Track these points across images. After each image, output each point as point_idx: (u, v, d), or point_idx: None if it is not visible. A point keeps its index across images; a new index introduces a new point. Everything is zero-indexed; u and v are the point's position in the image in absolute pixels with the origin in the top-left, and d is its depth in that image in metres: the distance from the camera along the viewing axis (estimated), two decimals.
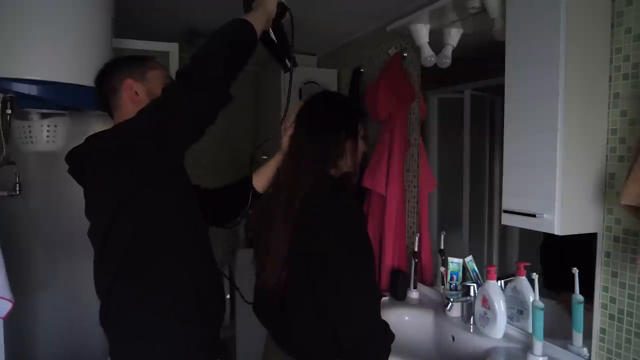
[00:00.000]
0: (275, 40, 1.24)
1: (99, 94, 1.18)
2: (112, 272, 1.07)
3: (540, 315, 1.22)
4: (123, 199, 1.04)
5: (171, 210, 1.10)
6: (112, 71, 1.17)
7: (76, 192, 1.11)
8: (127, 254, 1.06)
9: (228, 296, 2.15)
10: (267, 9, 1.16)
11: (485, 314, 1.41)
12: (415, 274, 1.83)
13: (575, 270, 1.20)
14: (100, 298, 1.12)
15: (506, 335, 1.40)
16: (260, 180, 1.35)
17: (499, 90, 1.23)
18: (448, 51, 1.65)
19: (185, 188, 1.18)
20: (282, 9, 1.21)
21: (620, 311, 1.13)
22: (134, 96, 1.14)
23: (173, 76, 1.09)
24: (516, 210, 1.16)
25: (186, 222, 1.14)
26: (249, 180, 1.36)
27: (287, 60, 1.28)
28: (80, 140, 1.09)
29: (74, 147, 1.14)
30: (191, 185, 1.21)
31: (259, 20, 1.11)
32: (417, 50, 1.73)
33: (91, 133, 1.09)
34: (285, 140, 1.26)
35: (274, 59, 1.29)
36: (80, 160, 1.11)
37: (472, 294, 1.51)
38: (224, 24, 1.06)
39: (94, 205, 1.10)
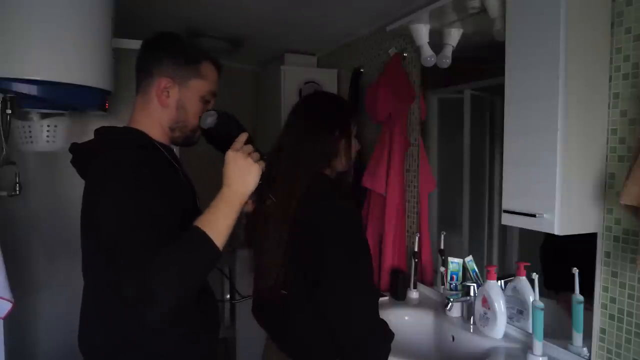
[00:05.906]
0: (218, 138, 1.09)
1: (137, 60, 1.07)
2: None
3: (540, 315, 1.22)
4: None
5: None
6: (159, 53, 1.04)
7: (76, 192, 1.10)
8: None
9: (228, 296, 2.15)
10: (242, 191, 0.94)
11: (485, 314, 1.41)
12: (415, 274, 1.83)
13: (575, 270, 1.20)
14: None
15: (506, 335, 1.40)
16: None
17: (499, 90, 1.23)
18: (448, 51, 1.65)
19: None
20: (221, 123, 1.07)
21: (620, 311, 1.13)
22: (163, 96, 1.04)
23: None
24: (516, 210, 1.17)
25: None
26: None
27: None
28: (81, 140, 1.08)
29: (83, 142, 1.08)
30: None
31: (226, 216, 0.92)
32: (417, 50, 1.73)
33: (91, 133, 1.08)
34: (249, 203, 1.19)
35: (219, 151, 1.09)
36: (86, 153, 1.05)
37: (472, 294, 1.51)
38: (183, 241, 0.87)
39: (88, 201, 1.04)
